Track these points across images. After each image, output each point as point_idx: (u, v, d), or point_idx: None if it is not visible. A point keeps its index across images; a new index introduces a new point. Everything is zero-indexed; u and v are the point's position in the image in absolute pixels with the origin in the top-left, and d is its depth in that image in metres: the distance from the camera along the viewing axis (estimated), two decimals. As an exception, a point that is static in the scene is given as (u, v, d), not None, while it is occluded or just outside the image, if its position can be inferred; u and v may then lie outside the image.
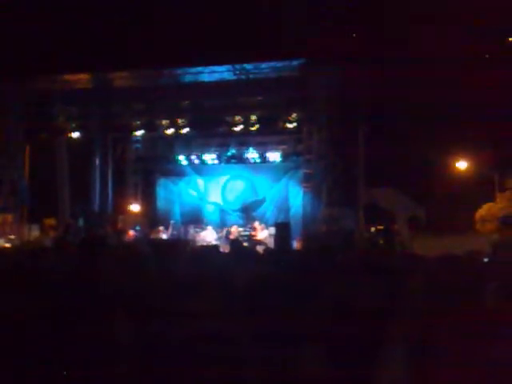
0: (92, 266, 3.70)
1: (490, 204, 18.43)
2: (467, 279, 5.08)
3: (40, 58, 16.55)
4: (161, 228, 19.82)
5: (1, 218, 17.79)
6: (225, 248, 12.11)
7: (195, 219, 21.16)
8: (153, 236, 19.09)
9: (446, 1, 14.05)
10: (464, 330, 3.25)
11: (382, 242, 15.19)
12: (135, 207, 21.59)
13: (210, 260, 4.56)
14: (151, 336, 3.10)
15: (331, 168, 16.83)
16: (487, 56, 15.85)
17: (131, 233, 19.28)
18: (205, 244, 15.44)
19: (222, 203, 21.58)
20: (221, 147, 20.53)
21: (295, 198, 20.36)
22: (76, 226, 18.40)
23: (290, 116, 17.85)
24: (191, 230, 20.11)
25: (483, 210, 18.36)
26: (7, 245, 14.67)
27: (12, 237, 16.85)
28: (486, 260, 8.11)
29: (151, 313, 3.19)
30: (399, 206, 17.45)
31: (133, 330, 3.13)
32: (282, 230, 16.84)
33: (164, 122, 18.86)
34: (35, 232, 18.21)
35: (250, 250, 9.30)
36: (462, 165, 20.00)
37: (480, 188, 18.38)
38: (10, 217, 17.83)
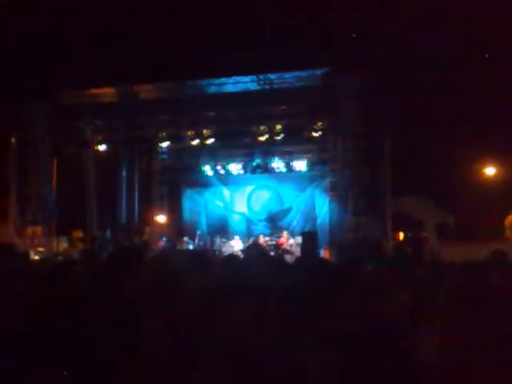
0: (127, 279, 3.71)
1: (520, 210, 18.15)
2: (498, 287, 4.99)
3: (66, 72, 16.76)
4: (187, 239, 19.92)
5: (30, 230, 18.01)
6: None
7: (221, 229, 21.20)
8: (179, 247, 19.16)
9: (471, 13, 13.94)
10: (496, 340, 3.19)
11: (410, 250, 15.05)
12: (161, 218, 21.71)
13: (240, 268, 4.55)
14: (191, 349, 3.09)
15: (357, 177, 16.74)
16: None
17: (160, 243, 19.39)
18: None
19: (248, 213, 21.59)
20: (246, 157, 20.57)
21: (321, 206, 20.30)
22: (103, 238, 18.56)
23: (315, 125, 17.81)
24: (217, 241, 20.15)
25: (512, 216, 18.08)
26: (36, 257, 14.83)
27: (41, 249, 17.04)
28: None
29: (189, 325, 3.18)
30: (427, 213, 17.27)
31: (170, 343, 3.12)
32: (309, 239, 16.84)
33: (189, 133, 18.94)
34: (64, 244, 18.39)
35: (278, 259, 9.25)
36: (490, 171, 19.74)
37: (509, 193, 18.10)
38: (38, 229, 18.04)
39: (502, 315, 3.63)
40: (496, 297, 4.29)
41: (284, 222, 20.88)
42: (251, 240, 19.35)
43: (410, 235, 18.16)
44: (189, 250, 18.17)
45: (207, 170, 21.45)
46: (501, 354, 3.00)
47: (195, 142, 18.97)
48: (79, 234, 18.75)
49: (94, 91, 18.24)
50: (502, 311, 3.82)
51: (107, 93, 18.37)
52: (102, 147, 19.34)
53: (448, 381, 2.96)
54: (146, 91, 18.33)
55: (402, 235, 18.43)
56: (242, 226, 21.37)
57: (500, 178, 19.05)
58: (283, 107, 17.76)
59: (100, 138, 19.24)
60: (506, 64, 15.01)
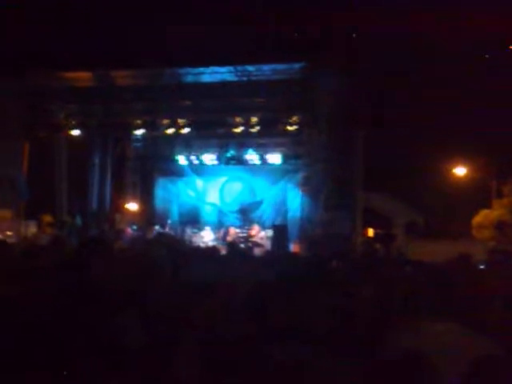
0: (95, 266, 3.72)
1: (487, 211, 18.44)
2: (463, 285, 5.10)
3: (41, 54, 16.52)
4: (158, 227, 19.83)
5: None
6: (222, 249, 12.11)
7: (193, 219, 21.17)
8: (149, 235, 19.05)
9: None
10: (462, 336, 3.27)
11: (379, 246, 15.20)
12: (133, 206, 21.58)
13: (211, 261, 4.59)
14: (158, 338, 3.11)
15: (329, 172, 16.82)
16: (487, 56, 15.82)
17: (129, 231, 19.27)
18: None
19: (219, 204, 21.59)
20: (220, 148, 20.54)
21: (293, 200, 20.40)
22: (72, 224, 18.40)
23: (291, 119, 17.86)
24: (188, 230, 20.11)
25: (480, 217, 18.38)
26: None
27: (9, 233, 16.81)
28: (481, 266, 8.15)
29: (155, 314, 3.21)
30: (396, 211, 17.47)
31: (139, 332, 3.14)
32: (280, 233, 16.91)
33: (165, 121, 18.84)
34: (32, 228, 18.18)
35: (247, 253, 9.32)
36: (460, 171, 20.00)
37: (477, 194, 18.39)
38: (8, 213, 17.79)
39: (465, 313, 3.73)
40: (459, 296, 4.40)
41: (255, 215, 20.92)
42: (221, 231, 19.39)
43: (379, 232, 18.36)
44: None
45: (181, 159, 21.38)
46: (466, 351, 3.08)
47: (170, 130, 18.88)
48: (48, 218, 18.55)
49: (69, 74, 17.97)
50: (464, 310, 3.92)
51: (82, 77, 18.12)
52: (76, 132, 19.12)
53: (413, 373, 3.02)
54: (122, 77, 18.14)
55: (371, 231, 18.62)
56: (213, 217, 21.37)
57: (469, 179, 19.32)
58: (260, 100, 17.75)
59: (73, 122, 19.01)
60: (486, 65, 15.21)
